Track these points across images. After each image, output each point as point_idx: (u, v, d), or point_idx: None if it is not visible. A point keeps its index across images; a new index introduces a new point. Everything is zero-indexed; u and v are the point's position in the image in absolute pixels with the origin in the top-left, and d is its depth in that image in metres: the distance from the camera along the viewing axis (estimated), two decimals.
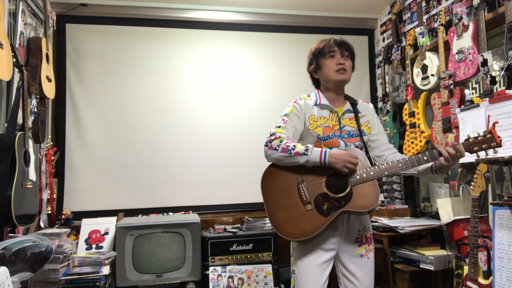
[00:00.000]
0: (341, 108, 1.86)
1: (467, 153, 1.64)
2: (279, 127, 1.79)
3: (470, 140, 1.64)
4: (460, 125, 2.56)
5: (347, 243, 1.77)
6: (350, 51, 1.85)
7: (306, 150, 1.67)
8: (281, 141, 1.71)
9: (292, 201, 1.71)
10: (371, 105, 1.96)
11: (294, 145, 1.68)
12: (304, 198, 1.69)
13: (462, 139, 2.53)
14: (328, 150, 1.67)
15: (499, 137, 1.60)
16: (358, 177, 1.66)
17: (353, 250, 1.77)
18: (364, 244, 1.80)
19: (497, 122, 1.76)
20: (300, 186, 1.71)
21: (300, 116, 1.81)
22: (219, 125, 3.72)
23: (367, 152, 1.86)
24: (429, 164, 1.71)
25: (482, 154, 2.26)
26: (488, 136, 1.61)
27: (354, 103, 1.89)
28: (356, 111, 1.87)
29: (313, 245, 1.74)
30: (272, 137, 1.73)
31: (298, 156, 1.67)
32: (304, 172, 1.71)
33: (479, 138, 1.62)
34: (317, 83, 1.94)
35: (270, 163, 1.78)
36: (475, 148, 1.62)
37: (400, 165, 1.66)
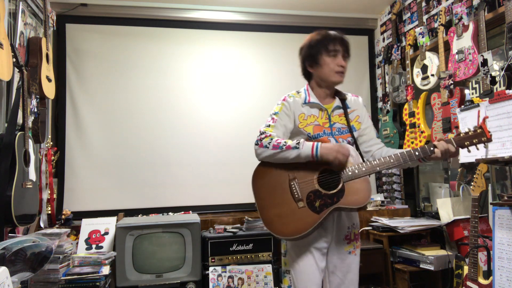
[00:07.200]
0: (331, 105, 1.83)
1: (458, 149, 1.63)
2: (269, 126, 1.76)
3: (461, 135, 1.63)
4: (460, 125, 2.56)
5: (337, 240, 1.77)
6: (349, 53, 1.82)
7: (298, 143, 1.65)
8: (271, 139, 1.68)
9: (284, 198, 1.68)
10: (360, 98, 1.92)
11: (285, 141, 1.67)
12: (296, 196, 1.67)
13: None
14: (320, 143, 1.65)
15: (489, 131, 1.60)
16: (350, 173, 1.65)
17: (342, 247, 1.77)
18: (353, 241, 1.80)
19: (487, 117, 1.76)
20: (292, 183, 1.69)
21: (290, 114, 1.79)
22: (219, 124, 3.72)
23: (358, 148, 1.84)
24: None
25: (482, 153, 2.27)
26: (478, 131, 1.60)
27: (343, 98, 1.86)
28: (345, 107, 1.84)
29: (307, 245, 1.73)
30: (263, 136, 1.71)
31: (290, 150, 1.64)
32: (296, 169, 1.70)
33: (469, 133, 1.62)
34: (307, 75, 1.90)
35: (260, 161, 1.76)
36: (466, 143, 1.61)
37: (392, 160, 1.64)
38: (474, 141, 1.60)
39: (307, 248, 1.73)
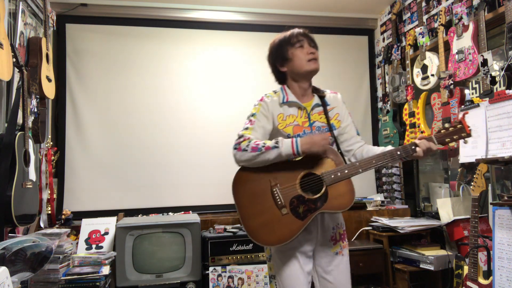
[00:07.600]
0: (309, 103, 1.78)
1: (439, 145, 1.63)
2: (247, 129, 1.71)
3: (442, 132, 1.62)
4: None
5: (323, 242, 1.73)
6: (315, 43, 1.79)
7: (277, 142, 1.60)
8: (249, 141, 1.63)
9: (266, 206, 1.63)
10: (339, 95, 1.86)
11: (264, 142, 1.61)
12: (279, 202, 1.62)
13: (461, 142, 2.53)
14: (298, 138, 1.61)
15: (468, 127, 1.59)
16: (332, 176, 1.61)
17: (328, 249, 1.73)
18: (339, 241, 1.76)
19: (467, 113, 1.77)
20: (274, 190, 1.64)
21: (268, 115, 1.75)
22: (219, 125, 3.71)
23: (338, 147, 1.79)
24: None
25: (482, 153, 2.28)
26: (458, 126, 1.60)
27: (322, 96, 1.81)
28: (324, 104, 1.79)
29: (292, 250, 1.69)
30: (241, 139, 1.65)
31: (269, 151, 1.59)
32: (277, 174, 1.65)
33: (450, 129, 1.61)
34: (282, 78, 1.86)
35: (240, 167, 1.70)
36: (446, 140, 1.61)
37: (374, 161, 1.62)
38: (454, 137, 1.60)
39: (291, 253, 1.69)
